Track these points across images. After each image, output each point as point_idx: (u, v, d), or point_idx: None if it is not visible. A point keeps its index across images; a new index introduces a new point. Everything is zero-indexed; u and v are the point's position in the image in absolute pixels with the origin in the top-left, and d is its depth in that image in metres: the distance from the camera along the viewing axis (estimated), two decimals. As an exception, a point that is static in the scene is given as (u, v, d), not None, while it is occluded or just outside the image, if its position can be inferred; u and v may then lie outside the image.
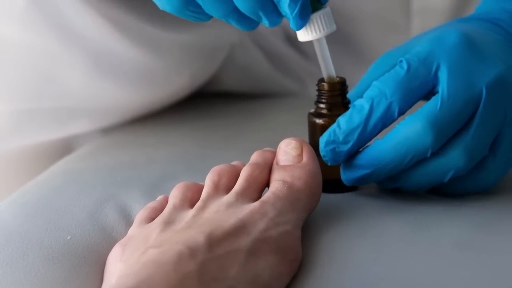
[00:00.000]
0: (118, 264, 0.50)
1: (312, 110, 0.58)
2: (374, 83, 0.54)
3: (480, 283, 0.48)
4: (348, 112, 0.54)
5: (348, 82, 0.58)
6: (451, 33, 0.55)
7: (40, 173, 0.68)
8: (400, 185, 0.56)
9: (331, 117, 0.56)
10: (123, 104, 0.73)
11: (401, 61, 0.54)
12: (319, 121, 0.57)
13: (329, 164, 0.55)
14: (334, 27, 0.54)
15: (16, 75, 0.69)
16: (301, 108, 0.80)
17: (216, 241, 0.47)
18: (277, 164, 0.54)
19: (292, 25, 0.53)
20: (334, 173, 0.57)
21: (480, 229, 0.53)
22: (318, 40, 0.55)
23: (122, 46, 0.68)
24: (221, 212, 0.50)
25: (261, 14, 0.52)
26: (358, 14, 0.82)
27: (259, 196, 0.53)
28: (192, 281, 0.45)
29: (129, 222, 0.55)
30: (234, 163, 0.56)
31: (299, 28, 0.53)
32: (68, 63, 0.68)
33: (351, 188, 0.58)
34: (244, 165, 0.55)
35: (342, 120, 0.54)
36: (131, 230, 0.53)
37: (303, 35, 0.54)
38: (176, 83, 0.74)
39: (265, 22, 0.53)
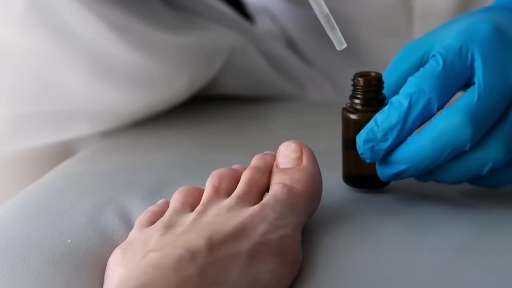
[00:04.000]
0: (118, 268, 0.50)
1: (346, 105, 0.57)
2: (411, 79, 0.53)
3: (481, 287, 0.48)
4: (386, 109, 0.54)
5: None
6: (482, 24, 0.54)
7: (40, 176, 0.68)
8: (436, 179, 0.55)
9: (366, 113, 0.56)
10: (122, 107, 0.73)
11: (434, 55, 0.54)
12: (353, 116, 0.56)
13: (367, 161, 0.55)
14: None
15: (15, 79, 0.69)
16: (301, 111, 0.80)
17: (216, 245, 0.47)
18: (277, 167, 0.54)
19: None
20: (368, 170, 0.57)
21: (480, 232, 0.53)
22: None
23: (119, 48, 0.68)
24: (221, 215, 0.50)
25: None
26: (359, 19, 0.82)
27: (260, 200, 0.53)
28: (192, 285, 0.45)
29: (129, 226, 0.55)
30: (235, 166, 0.56)
31: None
32: (66, 67, 0.68)
33: (385, 183, 0.58)
34: (245, 169, 0.55)
35: (380, 117, 0.54)
36: (131, 234, 0.53)
37: None
38: (175, 86, 0.74)
39: None
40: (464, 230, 0.53)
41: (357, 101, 0.56)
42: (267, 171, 0.54)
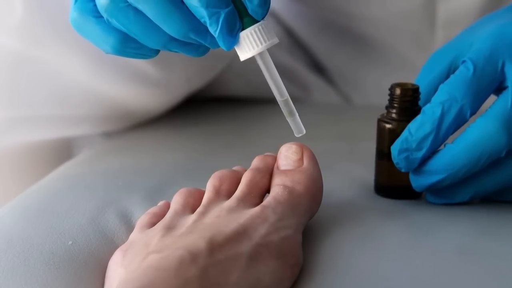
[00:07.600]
0: (119, 270, 0.50)
1: (381, 116, 0.57)
2: (442, 87, 0.54)
3: (482, 288, 0.48)
4: (419, 118, 0.54)
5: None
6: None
7: (39, 174, 0.68)
8: (475, 190, 0.55)
9: (400, 122, 0.56)
10: (122, 109, 0.73)
11: (464, 61, 0.54)
12: (388, 125, 0.56)
13: (402, 171, 0.55)
14: (275, 40, 0.51)
15: (12, 83, 0.69)
16: (304, 114, 0.79)
17: (217, 246, 0.47)
18: (277, 168, 0.54)
19: (220, 44, 0.50)
20: (401, 180, 0.57)
21: (481, 234, 0.53)
22: (260, 55, 0.51)
23: None
24: (222, 217, 0.50)
25: (194, 37, 0.49)
26: (377, 20, 0.81)
27: (260, 201, 0.53)
28: (193, 286, 0.45)
29: (130, 228, 0.55)
30: (235, 168, 0.56)
31: (229, 46, 0.50)
32: (66, 70, 0.68)
33: (418, 194, 0.58)
34: (245, 170, 0.55)
35: (413, 126, 0.54)
36: (132, 236, 0.53)
37: (241, 54, 0.51)
38: (173, 86, 0.74)
39: (206, 44, 0.50)
40: (464, 232, 0.53)
41: (392, 110, 0.57)
42: (268, 173, 0.54)
